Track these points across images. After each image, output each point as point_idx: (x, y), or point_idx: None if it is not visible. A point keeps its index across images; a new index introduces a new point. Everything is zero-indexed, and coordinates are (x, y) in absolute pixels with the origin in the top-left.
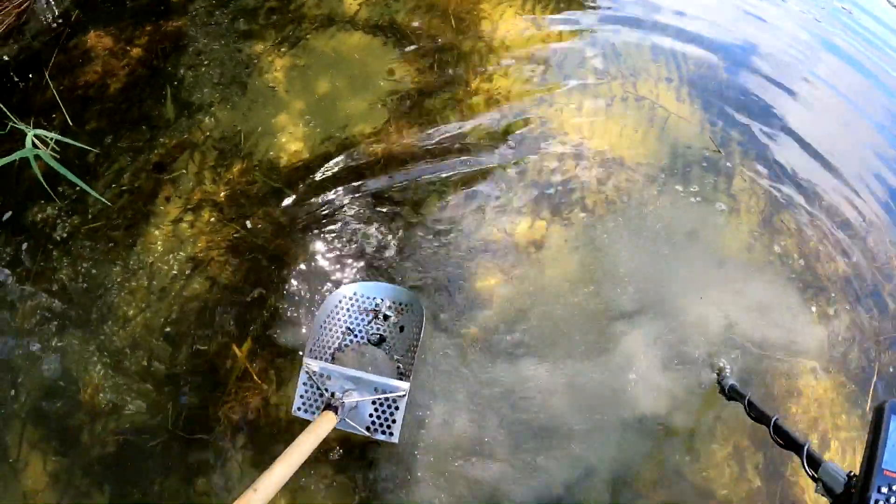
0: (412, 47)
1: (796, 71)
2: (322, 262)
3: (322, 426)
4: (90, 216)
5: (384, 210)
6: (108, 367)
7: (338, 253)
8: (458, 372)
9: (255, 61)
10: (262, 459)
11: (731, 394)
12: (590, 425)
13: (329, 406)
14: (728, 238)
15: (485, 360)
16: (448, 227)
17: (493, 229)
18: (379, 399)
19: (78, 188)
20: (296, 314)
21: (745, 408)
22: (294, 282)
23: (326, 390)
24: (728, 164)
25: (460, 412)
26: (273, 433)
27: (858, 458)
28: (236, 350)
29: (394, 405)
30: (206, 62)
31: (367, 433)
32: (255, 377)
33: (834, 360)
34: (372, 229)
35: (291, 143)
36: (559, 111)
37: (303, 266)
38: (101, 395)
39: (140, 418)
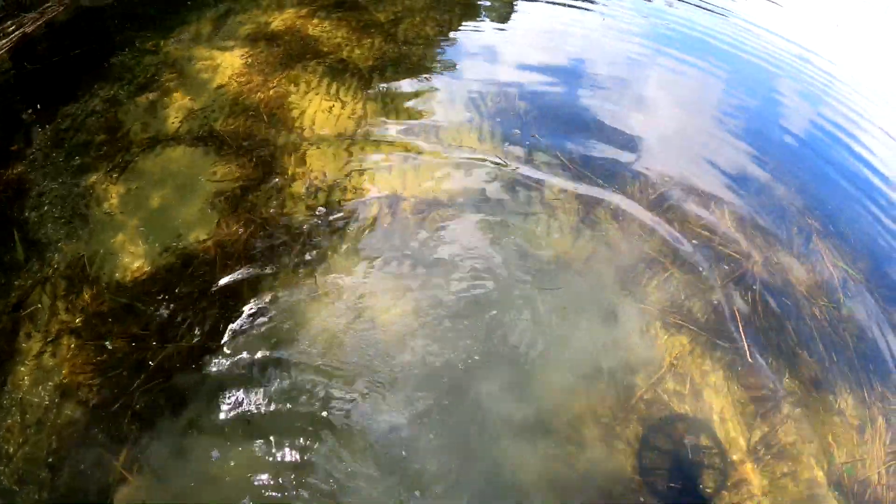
0: (231, 149)
1: (590, 78)
2: (177, 359)
3: None
4: None
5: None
6: None
7: (191, 344)
8: None
9: (92, 192)
10: None
11: None
12: None
13: None
14: (551, 239)
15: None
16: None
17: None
18: None
19: None
20: (156, 413)
21: None
22: (155, 382)
23: None
24: (536, 178)
25: None
26: None
27: (727, 399)
28: (114, 463)
29: None
30: (47, 201)
31: None
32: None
33: (682, 316)
34: (214, 320)
35: (133, 261)
36: (372, 174)
37: (162, 364)
38: None
39: None
